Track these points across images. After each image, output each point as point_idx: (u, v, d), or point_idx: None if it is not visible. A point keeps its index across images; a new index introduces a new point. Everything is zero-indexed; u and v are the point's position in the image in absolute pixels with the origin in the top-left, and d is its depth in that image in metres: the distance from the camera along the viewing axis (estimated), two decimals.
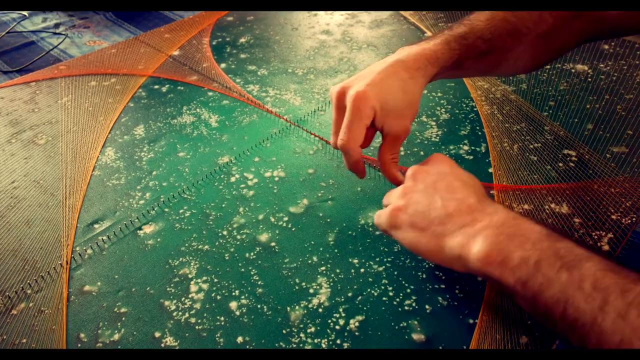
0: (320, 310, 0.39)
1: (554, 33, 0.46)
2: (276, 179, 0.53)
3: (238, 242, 0.46)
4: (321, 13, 0.91)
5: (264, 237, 0.46)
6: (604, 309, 0.27)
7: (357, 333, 0.38)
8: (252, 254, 0.44)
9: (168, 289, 0.42)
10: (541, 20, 0.45)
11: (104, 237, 0.47)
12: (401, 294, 0.40)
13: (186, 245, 0.46)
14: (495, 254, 0.32)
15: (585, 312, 0.27)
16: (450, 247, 0.34)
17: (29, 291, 0.42)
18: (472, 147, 0.56)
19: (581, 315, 0.28)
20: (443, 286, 0.41)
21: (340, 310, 0.39)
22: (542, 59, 0.50)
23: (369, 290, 0.41)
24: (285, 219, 0.48)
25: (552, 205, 0.47)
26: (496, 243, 0.32)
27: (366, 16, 0.89)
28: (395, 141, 0.43)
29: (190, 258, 0.44)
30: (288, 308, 0.40)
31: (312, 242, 0.45)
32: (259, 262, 0.44)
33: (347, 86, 0.42)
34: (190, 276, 0.43)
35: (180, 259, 0.44)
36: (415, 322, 0.38)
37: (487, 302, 0.39)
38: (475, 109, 0.62)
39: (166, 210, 0.50)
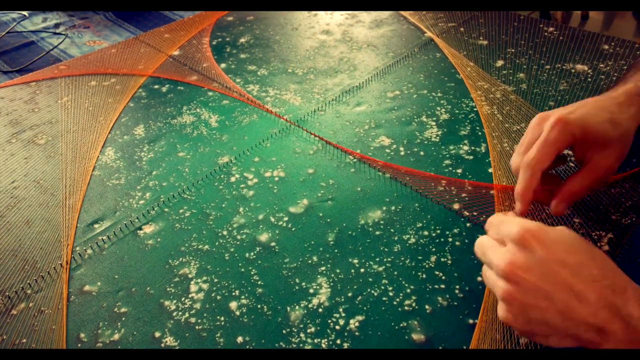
0: (320, 310, 0.39)
1: None
2: (276, 179, 0.53)
3: (238, 242, 0.46)
4: (321, 13, 0.91)
5: (264, 237, 0.46)
6: None
7: (357, 333, 0.38)
8: (252, 254, 0.44)
9: (168, 289, 0.42)
10: None
11: (104, 237, 0.47)
12: (401, 294, 0.40)
13: (186, 245, 0.46)
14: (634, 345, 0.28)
15: None
16: (570, 342, 0.31)
17: (29, 291, 0.42)
18: (472, 147, 0.56)
19: None
20: (443, 286, 0.41)
21: (340, 310, 0.39)
22: None
23: (369, 290, 0.41)
24: (285, 219, 0.48)
25: None
26: (636, 343, 0.28)
27: (366, 16, 0.89)
28: (592, 175, 0.38)
29: (190, 258, 0.44)
30: (288, 308, 0.40)
31: (312, 242, 0.45)
32: (259, 262, 0.44)
33: (551, 113, 0.39)
34: (190, 276, 0.43)
35: (180, 259, 0.44)
36: (415, 322, 0.38)
37: (487, 302, 0.39)
38: (475, 109, 0.62)
39: (166, 210, 0.50)
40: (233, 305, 0.40)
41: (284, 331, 0.38)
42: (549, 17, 1.17)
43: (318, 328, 0.38)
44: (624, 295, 0.29)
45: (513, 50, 0.73)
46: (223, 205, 0.50)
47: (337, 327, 0.38)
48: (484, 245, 0.35)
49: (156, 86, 0.71)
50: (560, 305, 0.30)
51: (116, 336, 0.38)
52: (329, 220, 0.47)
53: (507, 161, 0.53)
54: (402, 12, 0.88)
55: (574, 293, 0.30)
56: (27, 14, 0.95)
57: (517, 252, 0.32)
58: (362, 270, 0.42)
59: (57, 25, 0.91)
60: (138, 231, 0.47)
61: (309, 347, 0.37)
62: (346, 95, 0.67)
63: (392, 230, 0.46)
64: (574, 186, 0.39)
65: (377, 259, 0.43)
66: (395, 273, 0.42)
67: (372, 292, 0.41)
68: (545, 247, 0.31)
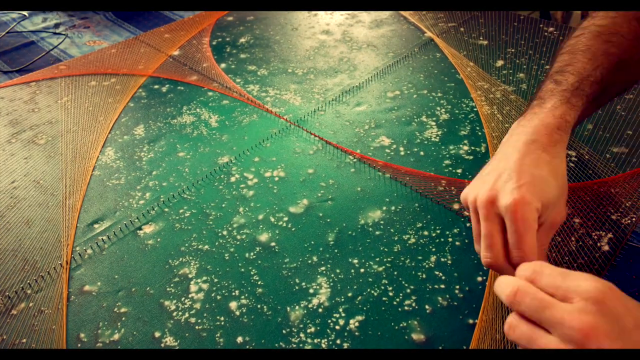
0: (320, 310, 0.39)
1: None
2: (276, 179, 0.53)
3: (238, 242, 0.46)
4: (321, 13, 0.91)
5: (264, 237, 0.46)
6: None
7: (357, 333, 0.38)
8: (252, 254, 0.44)
9: (168, 289, 0.42)
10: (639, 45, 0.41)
11: (104, 237, 0.47)
12: (401, 294, 0.40)
13: (186, 245, 0.46)
14: None
15: None
16: None
17: (29, 291, 0.42)
18: (472, 147, 0.56)
19: None
20: (443, 286, 0.41)
21: (340, 310, 0.39)
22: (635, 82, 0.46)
23: (368, 290, 0.41)
24: (285, 219, 0.48)
25: None
26: None
27: (366, 16, 0.89)
28: (551, 229, 0.37)
29: (190, 258, 0.44)
30: (288, 308, 0.40)
31: (312, 242, 0.45)
32: (259, 262, 0.44)
33: (494, 193, 0.35)
34: (190, 276, 0.43)
35: (180, 258, 0.44)
36: (415, 322, 0.38)
37: (487, 302, 0.39)
38: (475, 109, 0.62)
39: (166, 210, 0.50)
40: (233, 305, 0.40)
41: (283, 331, 0.38)
42: (549, 17, 1.17)
43: (318, 328, 0.38)
44: None
45: (513, 50, 0.73)
46: (223, 205, 0.50)
47: (337, 327, 0.38)
48: (539, 299, 0.28)
49: (156, 86, 0.71)
50: None
51: (116, 336, 0.38)
52: (329, 220, 0.47)
53: None
54: (402, 12, 0.88)
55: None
56: (27, 14, 0.95)
57: (597, 315, 0.26)
58: (362, 270, 0.42)
59: (57, 26, 0.91)
60: (138, 231, 0.47)
61: (309, 347, 0.37)
62: (346, 95, 0.67)
63: (392, 230, 0.46)
64: (540, 246, 0.36)
65: (377, 259, 0.43)
66: (395, 273, 0.42)
67: (372, 292, 0.41)
68: (627, 309, 0.27)
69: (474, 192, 0.36)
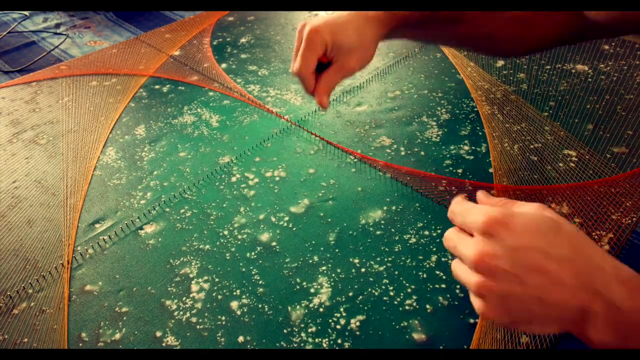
0: (321, 309, 0.39)
1: (534, 18, 0.47)
2: (277, 178, 0.53)
3: (239, 242, 0.46)
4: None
5: (264, 237, 0.46)
6: None
7: (358, 333, 0.38)
8: (253, 253, 0.44)
9: (169, 289, 0.42)
10: None
11: (105, 237, 0.47)
12: (402, 294, 0.40)
13: (187, 245, 0.46)
14: (619, 343, 0.28)
15: None
16: (556, 328, 0.30)
17: (30, 291, 0.42)
18: (473, 147, 0.56)
19: None
20: (444, 286, 0.41)
21: (341, 309, 0.39)
22: (521, 45, 0.50)
23: (369, 289, 0.41)
24: (286, 218, 0.48)
25: (553, 205, 0.47)
26: (620, 332, 0.28)
27: None
28: (337, 72, 0.46)
29: (191, 258, 0.44)
30: (289, 307, 0.40)
31: (313, 242, 0.45)
32: (260, 261, 0.44)
33: (308, 22, 0.46)
34: (191, 276, 0.43)
35: (182, 258, 0.44)
36: (416, 322, 0.38)
37: None
38: (475, 109, 0.62)
39: (167, 210, 0.50)
40: (234, 304, 0.40)
41: (284, 331, 0.38)
42: None
43: (319, 327, 0.38)
44: (602, 274, 0.29)
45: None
46: (224, 205, 0.50)
47: (338, 327, 0.38)
48: (453, 239, 0.33)
49: (157, 86, 0.71)
50: (536, 290, 0.29)
51: (117, 336, 0.38)
52: (329, 220, 0.48)
53: (508, 161, 0.53)
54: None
55: (547, 276, 0.29)
56: (28, 14, 0.95)
57: (485, 242, 0.31)
58: (362, 269, 0.42)
59: (57, 26, 0.92)
60: (139, 231, 0.48)
61: (310, 346, 0.37)
62: (347, 96, 0.67)
63: (392, 230, 0.46)
64: (326, 81, 0.46)
65: (378, 259, 0.43)
66: (396, 273, 0.42)
67: (373, 291, 0.41)
68: (512, 232, 0.31)
69: (302, 22, 0.46)
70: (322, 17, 0.46)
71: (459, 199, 0.35)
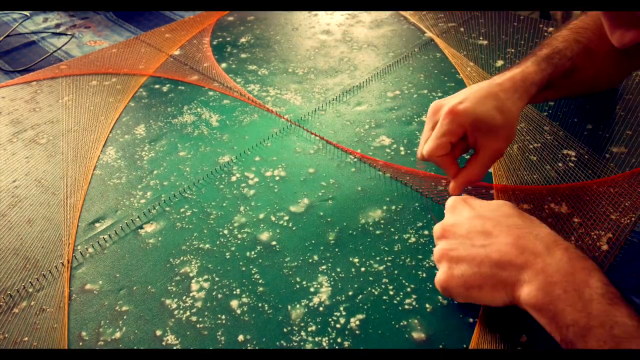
0: (321, 309, 0.39)
1: (620, 50, 0.45)
2: (277, 178, 0.53)
3: (239, 241, 0.46)
4: (321, 13, 0.91)
5: (264, 236, 0.46)
6: None
7: (357, 332, 0.38)
8: (252, 252, 0.45)
9: (169, 288, 0.42)
10: (604, 38, 0.44)
11: (105, 236, 0.47)
12: (401, 293, 0.40)
13: (187, 244, 0.46)
14: (547, 306, 0.31)
15: None
16: (503, 294, 0.34)
17: (30, 290, 0.42)
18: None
19: None
20: None
21: (341, 309, 0.39)
22: (618, 74, 0.55)
23: (369, 289, 0.41)
24: (286, 218, 0.48)
25: (552, 205, 0.47)
26: (549, 295, 0.31)
27: (366, 16, 0.89)
28: (485, 159, 0.43)
29: (191, 257, 0.45)
30: (289, 306, 0.40)
31: (313, 241, 0.45)
32: (260, 261, 0.44)
33: (444, 102, 0.43)
34: (191, 275, 0.43)
35: (182, 257, 0.45)
36: (416, 321, 0.38)
37: None
38: None
39: (167, 209, 0.50)
40: (234, 303, 0.40)
41: (284, 330, 0.38)
42: (549, 17, 1.17)
43: (319, 326, 0.38)
44: (550, 244, 0.33)
45: (513, 50, 0.73)
46: (224, 205, 0.50)
47: (338, 326, 0.38)
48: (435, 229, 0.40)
49: (157, 86, 0.71)
50: (482, 250, 0.34)
51: (117, 334, 0.38)
52: (329, 219, 0.48)
53: (507, 161, 0.53)
54: (402, 12, 0.88)
55: (496, 239, 0.34)
56: (29, 14, 0.95)
57: (448, 216, 0.38)
58: (362, 269, 0.43)
59: (58, 26, 0.92)
60: (139, 230, 0.48)
61: (310, 345, 0.37)
62: (346, 95, 0.67)
63: (392, 229, 0.46)
64: (471, 170, 0.44)
65: (378, 258, 0.43)
66: (396, 272, 0.42)
67: (373, 290, 0.41)
68: (471, 206, 0.38)
69: (435, 102, 0.45)
70: (457, 96, 0.43)
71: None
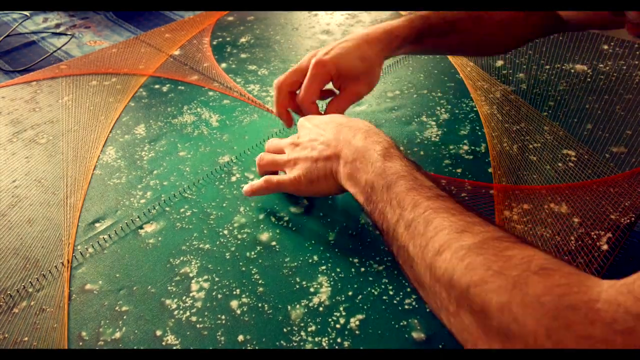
0: (320, 309, 0.39)
1: (513, 23, 0.53)
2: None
3: (239, 241, 0.46)
4: (321, 13, 0.91)
5: (264, 237, 0.46)
6: (399, 222, 0.33)
7: (357, 332, 0.38)
8: (252, 253, 0.45)
9: (169, 288, 0.42)
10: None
11: (105, 236, 0.47)
12: (401, 293, 0.40)
13: (187, 244, 0.46)
14: (352, 179, 0.40)
15: (390, 224, 0.34)
16: (333, 181, 0.43)
17: (30, 290, 0.42)
18: (472, 147, 0.56)
19: (390, 227, 0.34)
20: None
21: (341, 309, 0.39)
22: (503, 45, 0.59)
23: (369, 289, 0.41)
24: (286, 218, 0.48)
25: (552, 205, 0.47)
26: (351, 169, 0.40)
27: (366, 16, 0.89)
28: (347, 99, 0.50)
29: (192, 257, 0.45)
30: (289, 307, 0.40)
31: (313, 241, 0.45)
32: (260, 261, 0.44)
33: (314, 54, 0.49)
34: (191, 275, 0.43)
35: (181, 257, 0.45)
36: (415, 321, 0.38)
37: None
38: (475, 109, 0.62)
39: (167, 209, 0.50)
40: (234, 304, 0.40)
41: (284, 330, 0.38)
42: None
43: (319, 327, 0.38)
44: (356, 131, 0.41)
45: (513, 50, 0.73)
46: (224, 205, 0.50)
47: (338, 326, 0.38)
48: (265, 156, 0.49)
49: (157, 86, 0.71)
50: (316, 151, 0.43)
51: (117, 334, 0.38)
52: (329, 219, 0.48)
53: (507, 161, 0.53)
54: (402, 12, 0.88)
55: (324, 136, 0.43)
56: (29, 14, 0.95)
57: (298, 134, 0.47)
58: (362, 269, 0.43)
59: (58, 26, 0.92)
60: (139, 230, 0.48)
61: (310, 345, 0.37)
62: None
63: None
64: (335, 108, 0.50)
65: (378, 258, 0.43)
66: (396, 272, 0.42)
67: (373, 291, 0.41)
68: (312, 120, 0.46)
69: (308, 54, 0.51)
70: (329, 47, 0.49)
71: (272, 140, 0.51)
